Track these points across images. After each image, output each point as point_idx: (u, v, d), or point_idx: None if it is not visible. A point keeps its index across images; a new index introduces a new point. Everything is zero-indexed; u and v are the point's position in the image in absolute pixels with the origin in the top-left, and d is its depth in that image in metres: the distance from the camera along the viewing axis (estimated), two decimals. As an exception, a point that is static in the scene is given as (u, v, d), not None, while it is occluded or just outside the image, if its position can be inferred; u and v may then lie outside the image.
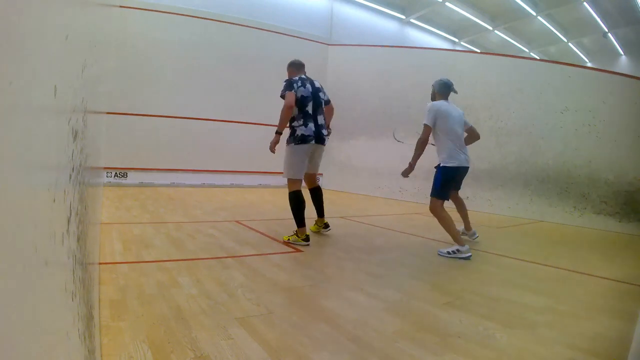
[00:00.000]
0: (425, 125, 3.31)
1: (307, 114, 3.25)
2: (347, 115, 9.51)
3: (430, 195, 3.28)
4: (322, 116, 3.36)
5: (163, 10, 7.94)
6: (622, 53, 14.38)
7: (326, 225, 3.48)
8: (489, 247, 3.48)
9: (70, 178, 0.63)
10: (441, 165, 3.32)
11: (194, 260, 2.47)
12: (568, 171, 5.43)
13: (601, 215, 5.07)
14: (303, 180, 3.35)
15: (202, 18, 8.36)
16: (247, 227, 3.80)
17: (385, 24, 12.09)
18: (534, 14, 11.85)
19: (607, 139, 5.07)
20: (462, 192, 6.91)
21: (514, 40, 14.20)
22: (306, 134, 3.22)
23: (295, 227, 3.20)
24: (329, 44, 10.19)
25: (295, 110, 3.27)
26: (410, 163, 3.47)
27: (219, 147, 8.59)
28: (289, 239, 3.15)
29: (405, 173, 3.51)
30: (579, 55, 15.02)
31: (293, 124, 3.31)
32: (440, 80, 3.49)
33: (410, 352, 1.39)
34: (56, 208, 0.49)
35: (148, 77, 7.84)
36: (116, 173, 7.58)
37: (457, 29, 13.84)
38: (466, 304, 1.93)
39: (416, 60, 7.93)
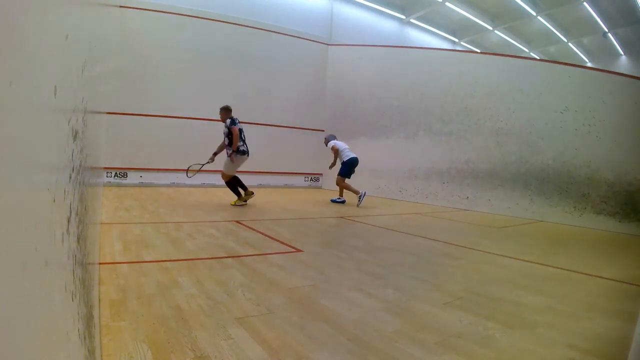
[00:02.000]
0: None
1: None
2: (347, 115, 9.53)
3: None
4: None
5: (163, 10, 7.94)
6: (622, 53, 14.39)
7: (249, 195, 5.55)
8: (489, 247, 3.48)
9: (70, 178, 0.63)
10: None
11: (194, 260, 2.47)
12: (568, 171, 5.43)
13: (601, 215, 5.07)
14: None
15: (202, 18, 8.36)
16: (247, 227, 3.80)
17: (385, 24, 12.10)
18: (534, 14, 11.86)
19: (607, 139, 5.07)
20: (462, 192, 6.94)
21: (514, 40, 14.21)
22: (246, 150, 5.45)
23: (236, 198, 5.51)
24: (329, 44, 10.19)
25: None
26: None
27: (219, 147, 8.58)
28: (235, 203, 5.47)
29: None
30: (579, 55, 15.03)
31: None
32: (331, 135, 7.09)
33: (410, 352, 1.39)
34: (56, 208, 0.49)
35: (148, 77, 7.85)
36: (116, 173, 7.58)
37: (457, 29, 13.85)
38: (466, 304, 1.93)
39: (416, 60, 7.93)
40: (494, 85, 6.42)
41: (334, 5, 10.58)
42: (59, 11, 0.48)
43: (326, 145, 6.93)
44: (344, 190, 6.66)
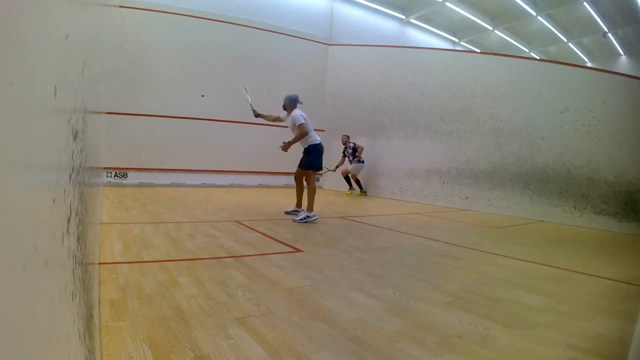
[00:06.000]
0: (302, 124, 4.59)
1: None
2: (347, 115, 9.52)
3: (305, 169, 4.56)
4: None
5: (163, 10, 7.94)
6: (622, 53, 14.39)
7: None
8: (489, 247, 3.48)
9: (70, 178, 0.63)
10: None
11: (194, 260, 2.47)
12: (568, 171, 5.43)
13: (601, 215, 5.07)
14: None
15: (202, 18, 8.35)
16: (247, 227, 3.80)
17: (385, 24, 12.09)
18: (534, 14, 11.86)
19: (607, 139, 5.07)
20: (462, 192, 6.92)
21: (514, 40, 14.20)
22: None
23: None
24: (329, 44, 10.19)
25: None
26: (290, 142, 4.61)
27: (219, 147, 8.59)
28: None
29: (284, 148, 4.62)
30: (579, 55, 15.03)
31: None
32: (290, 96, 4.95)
33: (410, 352, 1.39)
34: (56, 208, 0.49)
35: (148, 77, 7.84)
36: (116, 173, 7.57)
37: (457, 29, 13.84)
38: (466, 304, 1.93)
39: (416, 60, 7.93)
40: (493, 86, 6.42)
41: (334, 5, 10.58)
42: (59, 11, 0.48)
43: (286, 112, 4.90)
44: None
